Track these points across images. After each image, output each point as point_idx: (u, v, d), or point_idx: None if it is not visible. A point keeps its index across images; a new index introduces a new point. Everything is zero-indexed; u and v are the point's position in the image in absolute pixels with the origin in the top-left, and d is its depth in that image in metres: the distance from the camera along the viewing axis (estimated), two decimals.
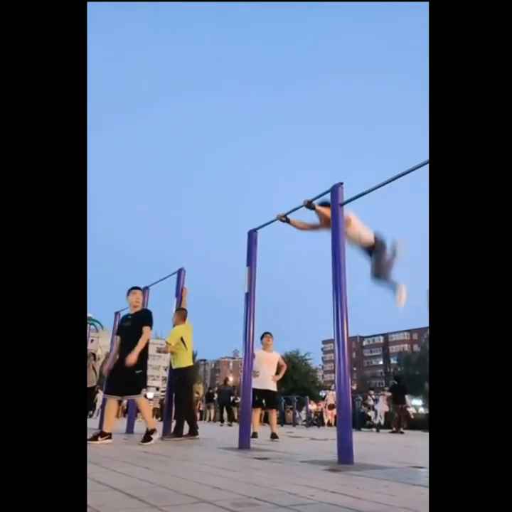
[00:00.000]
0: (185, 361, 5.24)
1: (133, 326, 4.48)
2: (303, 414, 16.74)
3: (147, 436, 4.12)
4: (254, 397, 5.74)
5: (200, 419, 16.85)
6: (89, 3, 1.11)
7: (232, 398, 14.55)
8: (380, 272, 3.85)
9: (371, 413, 14.06)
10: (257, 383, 5.74)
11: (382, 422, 13.35)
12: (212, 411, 17.35)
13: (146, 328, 4.44)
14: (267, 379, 5.89)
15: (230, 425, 12.59)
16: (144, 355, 4.35)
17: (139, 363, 4.27)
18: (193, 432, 5.08)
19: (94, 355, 8.33)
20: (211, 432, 7.67)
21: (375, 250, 3.86)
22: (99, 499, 1.45)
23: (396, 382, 12.62)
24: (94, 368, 8.01)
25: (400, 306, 3.86)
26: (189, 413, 5.23)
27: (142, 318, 4.55)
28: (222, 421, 14.12)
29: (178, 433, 4.91)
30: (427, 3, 1.07)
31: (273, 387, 6.00)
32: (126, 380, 4.26)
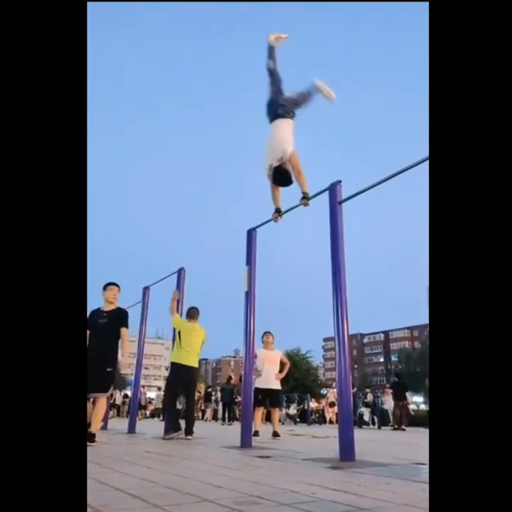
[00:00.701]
0: (175, 357, 5.25)
1: (109, 324, 4.30)
2: (292, 410, 16.51)
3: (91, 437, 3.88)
4: (257, 396, 5.75)
5: (201, 418, 16.86)
6: (89, 3, 1.11)
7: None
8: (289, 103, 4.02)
9: (363, 409, 13.96)
10: (259, 382, 5.75)
11: (392, 419, 13.27)
12: (210, 410, 17.37)
13: (124, 330, 4.33)
14: (269, 378, 5.89)
15: (230, 424, 12.57)
16: (116, 354, 4.29)
17: (111, 362, 4.20)
18: (175, 429, 5.01)
19: None
20: (212, 431, 7.68)
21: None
22: (102, 499, 1.45)
23: (397, 379, 12.63)
24: None
25: (333, 99, 4.02)
26: (173, 411, 5.28)
27: (119, 318, 4.38)
28: (224, 420, 14.10)
29: (174, 428, 4.96)
30: (427, 3, 1.07)
31: (276, 385, 5.99)
32: (95, 376, 4.08)
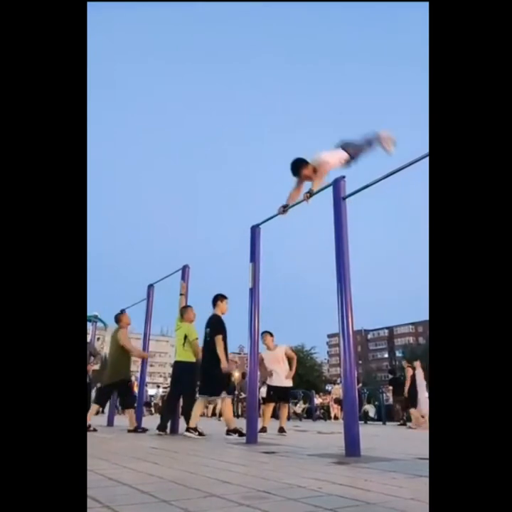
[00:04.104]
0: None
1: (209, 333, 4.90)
2: (298, 409, 16.42)
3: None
4: (269, 392, 5.79)
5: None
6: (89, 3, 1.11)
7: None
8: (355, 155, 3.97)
9: (367, 406, 14.06)
10: (272, 381, 5.81)
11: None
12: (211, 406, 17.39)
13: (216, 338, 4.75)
14: (279, 377, 5.86)
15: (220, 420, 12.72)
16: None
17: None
18: (161, 427, 5.06)
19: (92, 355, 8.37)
20: (217, 427, 7.71)
21: (355, 157, 3.95)
22: (110, 495, 1.47)
23: (392, 376, 12.84)
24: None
25: (392, 153, 3.94)
26: (162, 408, 5.52)
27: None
28: (221, 415, 14.20)
29: (158, 426, 5.04)
30: (427, 3, 1.07)
31: (286, 383, 5.94)
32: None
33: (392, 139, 3.96)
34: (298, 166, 3.85)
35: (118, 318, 5.98)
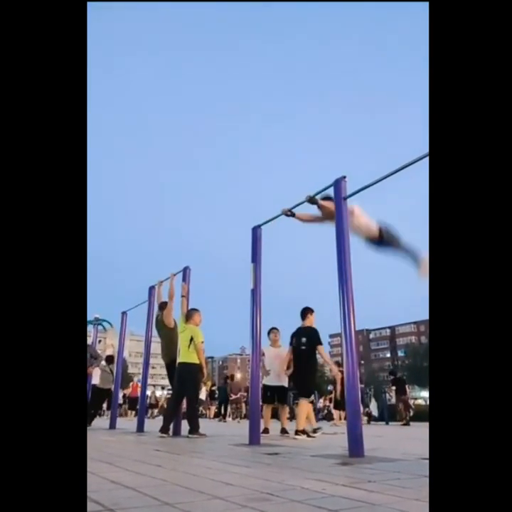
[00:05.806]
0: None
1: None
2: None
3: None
4: (266, 393, 5.75)
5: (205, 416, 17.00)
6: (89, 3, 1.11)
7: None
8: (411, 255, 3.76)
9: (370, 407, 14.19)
10: (268, 379, 5.76)
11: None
12: (213, 408, 17.40)
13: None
14: (278, 375, 5.83)
15: (224, 421, 12.88)
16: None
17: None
18: (163, 429, 5.06)
19: (112, 357, 8.35)
20: (219, 429, 7.71)
21: (383, 242, 3.79)
22: (113, 498, 1.46)
23: (394, 376, 12.93)
24: (112, 371, 8.12)
25: (422, 278, 3.60)
26: (165, 410, 5.58)
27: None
28: (221, 417, 14.39)
29: (161, 429, 5.08)
30: (427, 3, 1.07)
31: (285, 382, 5.95)
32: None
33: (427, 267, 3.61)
34: (322, 197, 3.76)
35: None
